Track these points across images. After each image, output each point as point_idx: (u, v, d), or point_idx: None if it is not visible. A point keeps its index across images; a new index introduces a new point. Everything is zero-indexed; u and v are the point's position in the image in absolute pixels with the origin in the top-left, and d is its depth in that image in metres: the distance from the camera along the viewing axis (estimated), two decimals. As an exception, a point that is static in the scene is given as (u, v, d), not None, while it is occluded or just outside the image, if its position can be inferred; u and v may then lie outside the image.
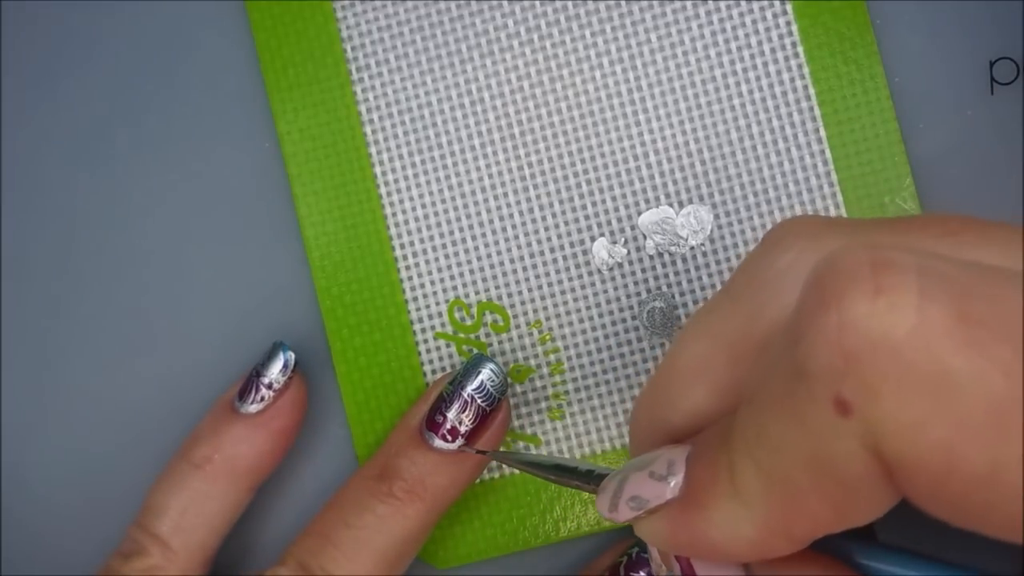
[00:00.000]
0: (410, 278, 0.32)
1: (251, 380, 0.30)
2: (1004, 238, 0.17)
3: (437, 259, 0.32)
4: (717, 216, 0.31)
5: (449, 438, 0.28)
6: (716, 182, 0.31)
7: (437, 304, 0.32)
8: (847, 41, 0.31)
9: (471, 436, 0.29)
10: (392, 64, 0.32)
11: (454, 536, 0.31)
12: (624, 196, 0.31)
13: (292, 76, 0.32)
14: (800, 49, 0.31)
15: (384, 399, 0.32)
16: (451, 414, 0.28)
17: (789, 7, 0.31)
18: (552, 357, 0.31)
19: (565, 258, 0.31)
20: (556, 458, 0.25)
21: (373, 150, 0.32)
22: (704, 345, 0.20)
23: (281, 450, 0.30)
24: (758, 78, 0.31)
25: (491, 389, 0.29)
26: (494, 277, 0.32)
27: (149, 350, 0.33)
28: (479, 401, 0.29)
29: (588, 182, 0.31)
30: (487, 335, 0.32)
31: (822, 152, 0.31)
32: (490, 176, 0.32)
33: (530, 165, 0.32)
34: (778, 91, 0.31)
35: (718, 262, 0.31)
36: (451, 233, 0.32)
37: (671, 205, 0.31)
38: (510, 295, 0.32)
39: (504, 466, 0.31)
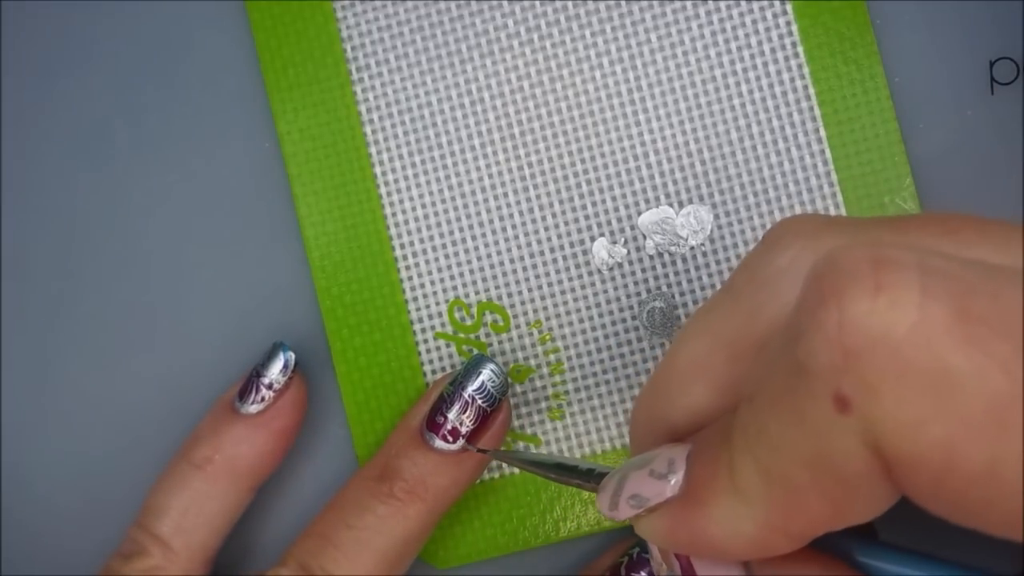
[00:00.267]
0: (410, 278, 0.32)
1: (251, 380, 0.30)
2: (1004, 236, 0.17)
3: (437, 259, 0.32)
4: (717, 216, 0.31)
5: (450, 439, 0.28)
6: (716, 182, 0.31)
7: (437, 304, 0.32)
8: (847, 41, 0.31)
9: (472, 437, 0.29)
10: (392, 64, 0.32)
11: (454, 536, 0.31)
12: (624, 196, 0.31)
13: (292, 76, 0.32)
14: (800, 49, 0.31)
15: (384, 399, 0.32)
16: (452, 415, 0.28)
17: (789, 7, 0.31)
18: (552, 357, 0.31)
19: (565, 258, 0.31)
20: (557, 457, 0.25)
21: (373, 150, 0.32)
22: (704, 343, 0.20)
23: (281, 450, 0.30)
24: (758, 78, 0.31)
25: (492, 389, 0.29)
26: (494, 277, 0.32)
27: (149, 350, 0.33)
28: (480, 402, 0.29)
29: (588, 182, 0.31)
30: (487, 335, 0.32)
31: (822, 152, 0.31)
32: (490, 176, 0.32)
33: (530, 165, 0.32)
34: (778, 91, 0.31)
35: (718, 262, 0.31)
36: (451, 233, 0.32)
37: (671, 205, 0.31)
38: (510, 295, 0.32)
39: (504, 466, 0.31)
